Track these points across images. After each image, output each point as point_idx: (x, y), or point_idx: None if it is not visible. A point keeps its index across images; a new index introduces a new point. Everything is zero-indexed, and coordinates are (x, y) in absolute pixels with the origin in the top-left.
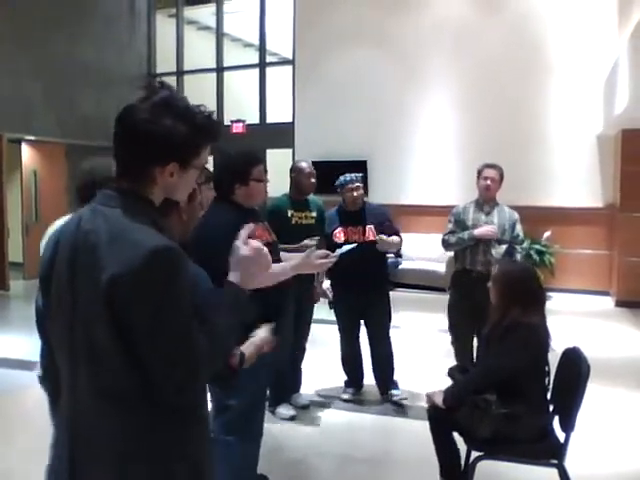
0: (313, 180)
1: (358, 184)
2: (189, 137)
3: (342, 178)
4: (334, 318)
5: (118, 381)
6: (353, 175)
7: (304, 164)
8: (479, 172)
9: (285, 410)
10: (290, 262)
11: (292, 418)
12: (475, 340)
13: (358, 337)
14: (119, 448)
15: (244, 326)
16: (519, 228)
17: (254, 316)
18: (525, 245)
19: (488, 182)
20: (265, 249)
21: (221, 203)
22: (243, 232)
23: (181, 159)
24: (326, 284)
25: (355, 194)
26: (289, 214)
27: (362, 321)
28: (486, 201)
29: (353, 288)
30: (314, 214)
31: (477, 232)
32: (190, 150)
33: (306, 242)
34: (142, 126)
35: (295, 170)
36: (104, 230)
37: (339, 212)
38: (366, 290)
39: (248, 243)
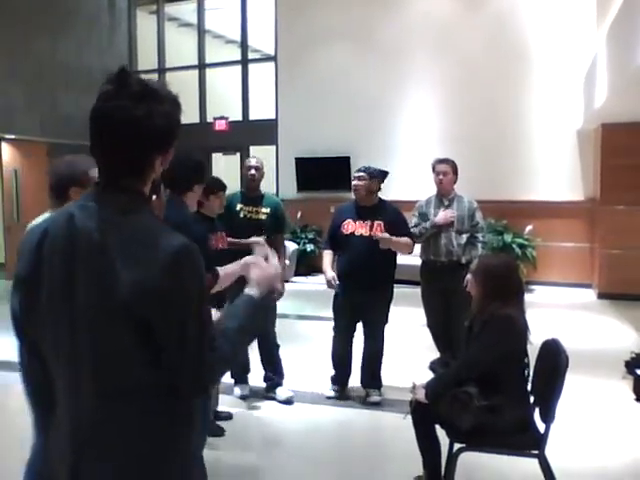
0: (252, 172)
1: (360, 174)
2: (178, 117)
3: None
4: (319, 314)
5: (132, 382)
6: (362, 166)
7: (249, 159)
8: (432, 168)
9: (240, 390)
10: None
11: (243, 398)
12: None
13: (352, 337)
14: (131, 448)
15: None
16: (478, 216)
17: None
18: (488, 235)
19: (440, 177)
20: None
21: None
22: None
23: (174, 143)
24: (332, 274)
25: (357, 183)
26: (238, 207)
27: (358, 319)
28: (444, 195)
29: (357, 282)
30: (266, 210)
31: (437, 219)
32: (179, 130)
33: (254, 239)
34: (144, 121)
35: None
36: (112, 230)
37: (353, 206)
38: (370, 286)
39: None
